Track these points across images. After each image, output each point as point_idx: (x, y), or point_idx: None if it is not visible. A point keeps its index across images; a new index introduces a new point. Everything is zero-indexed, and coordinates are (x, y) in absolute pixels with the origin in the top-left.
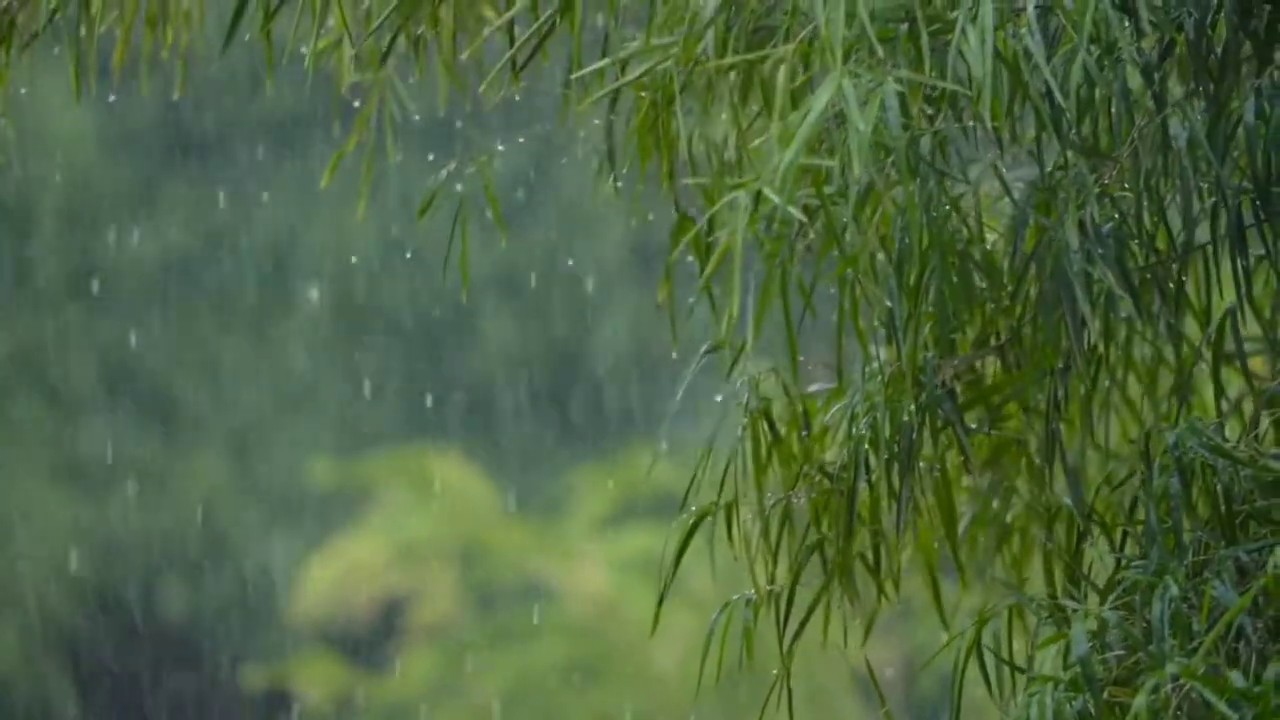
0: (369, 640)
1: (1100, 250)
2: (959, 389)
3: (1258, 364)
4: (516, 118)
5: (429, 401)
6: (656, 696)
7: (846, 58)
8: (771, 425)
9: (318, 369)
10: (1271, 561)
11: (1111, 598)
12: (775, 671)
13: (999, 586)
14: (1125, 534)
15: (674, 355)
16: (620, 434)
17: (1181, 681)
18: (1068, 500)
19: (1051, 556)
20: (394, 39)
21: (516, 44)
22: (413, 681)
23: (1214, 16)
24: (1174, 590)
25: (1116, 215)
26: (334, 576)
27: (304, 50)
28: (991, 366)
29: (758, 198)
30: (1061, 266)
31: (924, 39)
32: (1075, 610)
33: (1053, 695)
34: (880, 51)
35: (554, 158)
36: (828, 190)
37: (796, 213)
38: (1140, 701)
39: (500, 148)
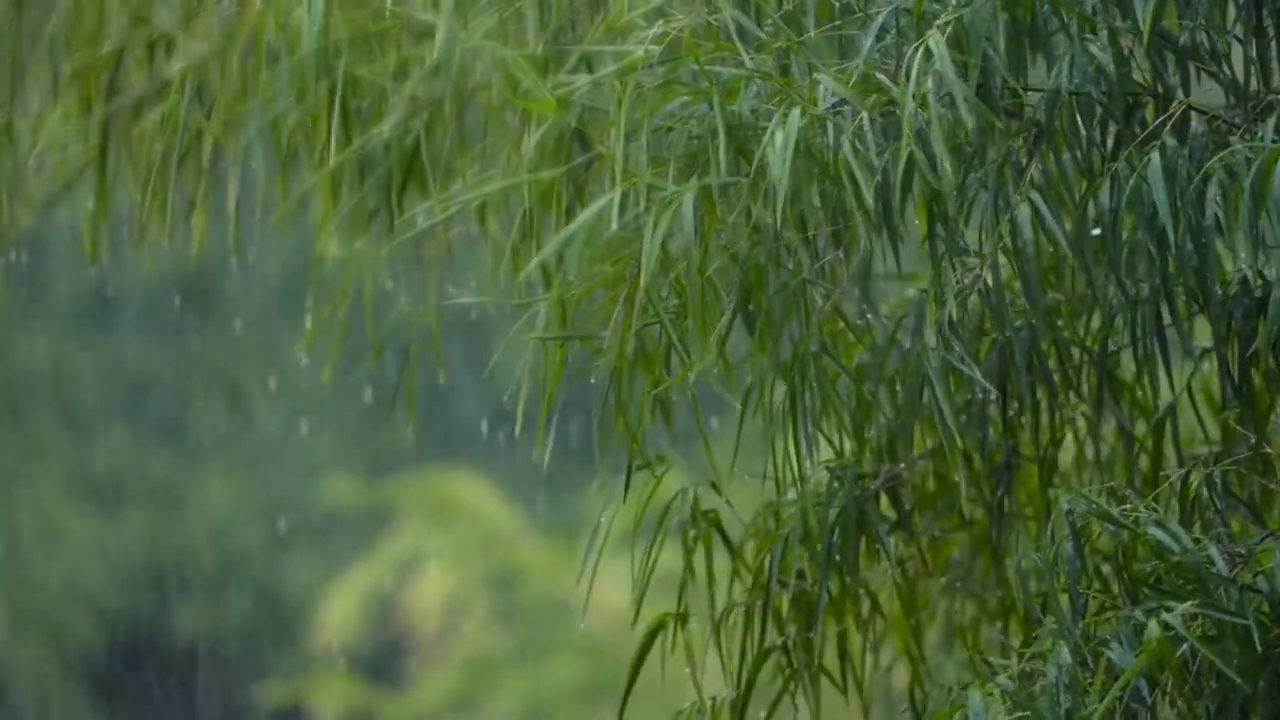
0: (388, 658)
1: (960, 347)
2: (904, 493)
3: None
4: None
5: (449, 421)
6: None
7: (654, 167)
8: (723, 534)
9: (337, 389)
10: (1148, 634)
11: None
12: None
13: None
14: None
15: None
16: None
17: None
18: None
19: (1003, 641)
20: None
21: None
22: (431, 700)
23: (1074, 111)
24: (1066, 656)
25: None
26: (354, 595)
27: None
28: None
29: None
30: (923, 369)
31: (723, 152)
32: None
33: None
34: (645, 164)
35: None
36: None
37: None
38: None
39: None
